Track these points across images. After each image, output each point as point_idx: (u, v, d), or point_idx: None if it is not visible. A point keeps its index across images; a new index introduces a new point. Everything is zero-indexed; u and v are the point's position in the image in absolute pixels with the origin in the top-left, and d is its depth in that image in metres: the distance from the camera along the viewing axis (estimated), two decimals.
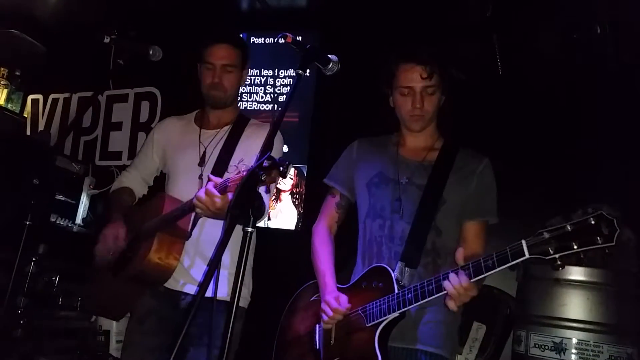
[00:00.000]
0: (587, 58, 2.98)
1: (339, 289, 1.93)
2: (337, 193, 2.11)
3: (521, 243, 1.47)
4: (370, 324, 1.74)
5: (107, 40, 2.02)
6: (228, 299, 1.94)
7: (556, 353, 2.23)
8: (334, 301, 1.81)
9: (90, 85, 4.32)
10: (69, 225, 3.51)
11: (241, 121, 2.26)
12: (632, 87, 2.83)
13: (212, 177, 1.74)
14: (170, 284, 2.03)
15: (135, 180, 2.35)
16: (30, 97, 4.76)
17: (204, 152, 2.16)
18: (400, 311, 1.69)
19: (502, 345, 2.67)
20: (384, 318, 1.71)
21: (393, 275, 1.76)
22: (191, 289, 2.03)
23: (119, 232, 2.11)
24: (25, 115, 4.69)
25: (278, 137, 2.16)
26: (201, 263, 2.05)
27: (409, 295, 1.67)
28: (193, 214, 1.95)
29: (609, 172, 2.81)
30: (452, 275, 1.57)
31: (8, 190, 2.99)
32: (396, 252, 1.84)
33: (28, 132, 4.61)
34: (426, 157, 1.95)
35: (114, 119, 4.43)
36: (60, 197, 3.46)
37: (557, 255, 1.41)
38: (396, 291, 1.71)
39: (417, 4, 3.44)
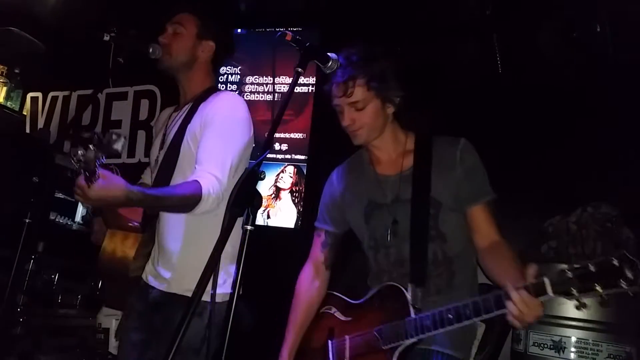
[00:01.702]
0: (587, 57, 2.98)
1: (352, 305, 1.91)
2: (322, 231, 2.07)
3: (544, 281, 1.43)
4: (386, 347, 1.71)
5: (106, 38, 2.01)
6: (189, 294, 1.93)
7: (555, 352, 2.23)
8: None
9: (90, 83, 4.31)
10: (69, 223, 3.51)
11: (204, 95, 2.08)
12: (632, 85, 2.83)
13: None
14: (145, 277, 2.02)
15: (148, 175, 2.30)
16: (29, 95, 4.75)
17: (164, 135, 2.11)
18: (418, 337, 1.66)
19: (501, 344, 2.66)
20: (401, 342, 1.68)
21: (408, 297, 1.72)
22: (154, 282, 1.99)
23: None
24: (25, 113, 4.68)
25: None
26: (164, 255, 1.99)
27: (428, 322, 1.63)
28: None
29: (609, 171, 2.81)
30: (513, 294, 1.46)
31: (7, 188, 2.99)
32: (407, 271, 1.80)
33: (27, 130, 4.61)
34: (403, 164, 1.89)
35: (113, 117, 4.42)
36: (60, 195, 3.46)
37: (580, 297, 1.38)
38: (412, 315, 1.68)
39: (417, 3, 3.44)
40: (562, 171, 2.94)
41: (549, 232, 2.51)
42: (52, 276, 3.17)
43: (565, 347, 2.21)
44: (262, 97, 3.94)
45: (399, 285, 1.75)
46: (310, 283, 2.04)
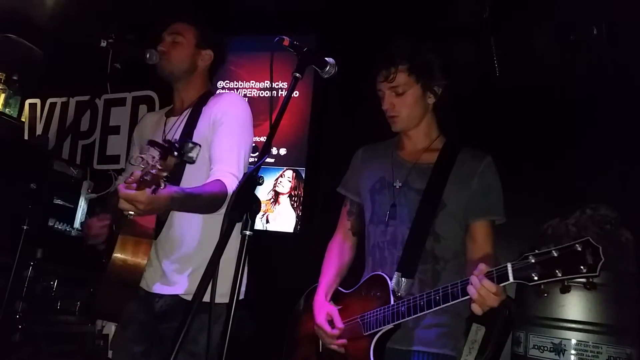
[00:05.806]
0: (584, 59, 2.98)
1: (342, 294, 1.95)
2: (347, 201, 2.13)
3: (506, 267, 1.45)
4: (367, 333, 1.77)
5: (104, 44, 2.02)
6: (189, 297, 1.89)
7: (555, 354, 2.23)
8: (327, 326, 1.84)
9: (88, 89, 4.32)
10: (67, 229, 3.50)
11: (202, 99, 2.12)
12: (629, 87, 2.83)
13: (120, 177, 1.61)
14: (147, 286, 2.00)
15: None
16: (27, 102, 4.75)
17: (164, 140, 2.05)
18: (394, 323, 1.71)
19: (501, 347, 2.65)
20: (379, 329, 1.74)
21: (390, 285, 1.77)
22: (162, 289, 1.98)
23: (102, 223, 2.04)
24: (23, 119, 4.69)
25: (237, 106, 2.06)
26: (172, 262, 1.98)
27: (403, 308, 1.69)
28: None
29: (607, 172, 2.82)
30: (474, 280, 1.50)
31: (5, 195, 2.99)
32: (398, 257, 1.84)
33: (26, 137, 4.61)
34: (422, 158, 1.94)
35: (111, 122, 4.43)
36: (58, 202, 3.45)
37: (541, 283, 1.38)
38: (392, 302, 1.74)
39: (415, 6, 3.45)
40: (561, 173, 2.94)
41: (548, 234, 2.51)
42: (51, 282, 3.16)
43: (565, 350, 2.21)
44: None
45: (384, 275, 1.81)
46: (340, 244, 2.10)
